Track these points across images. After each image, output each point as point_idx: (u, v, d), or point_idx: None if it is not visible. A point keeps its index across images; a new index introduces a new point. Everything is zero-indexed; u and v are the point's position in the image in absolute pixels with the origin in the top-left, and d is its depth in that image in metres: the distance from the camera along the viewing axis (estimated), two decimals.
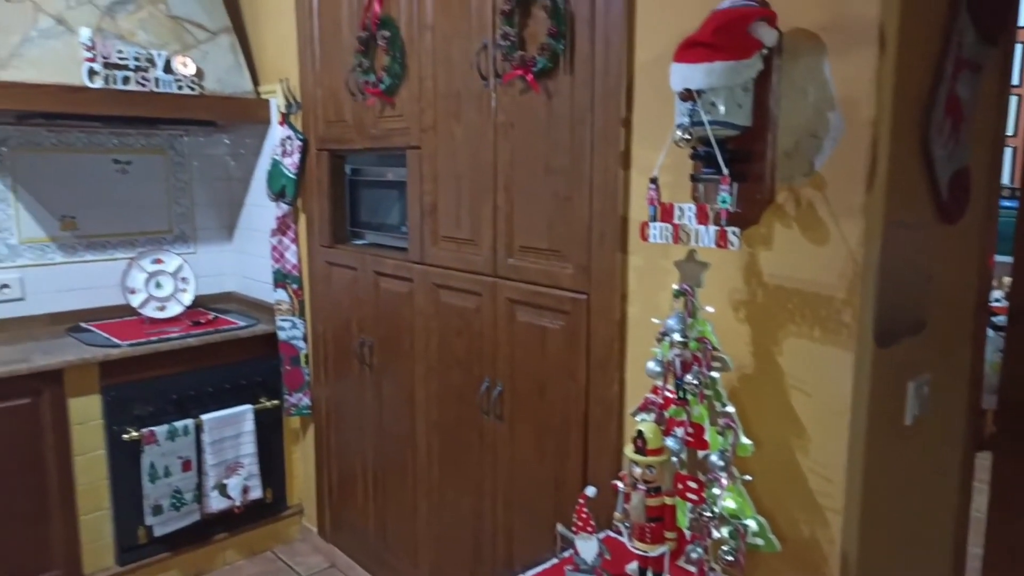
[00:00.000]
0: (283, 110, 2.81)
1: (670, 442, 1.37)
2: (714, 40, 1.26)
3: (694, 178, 1.41)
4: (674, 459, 1.38)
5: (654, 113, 1.57)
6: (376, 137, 2.41)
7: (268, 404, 2.92)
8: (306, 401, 2.91)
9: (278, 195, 2.84)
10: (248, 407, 2.84)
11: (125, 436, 2.55)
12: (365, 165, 2.66)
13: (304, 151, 2.75)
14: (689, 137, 1.29)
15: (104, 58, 2.58)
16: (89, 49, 2.54)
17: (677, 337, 1.34)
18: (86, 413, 2.52)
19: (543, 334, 1.88)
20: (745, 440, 1.37)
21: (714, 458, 1.33)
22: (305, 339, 2.89)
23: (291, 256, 2.86)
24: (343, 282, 2.66)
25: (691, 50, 1.28)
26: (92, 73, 2.55)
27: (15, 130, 2.78)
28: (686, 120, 1.29)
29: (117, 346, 2.60)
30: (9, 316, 2.82)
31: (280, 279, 2.88)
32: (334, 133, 2.62)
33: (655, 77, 1.55)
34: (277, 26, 2.88)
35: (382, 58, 2.30)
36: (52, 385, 2.45)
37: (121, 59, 2.62)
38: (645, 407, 1.45)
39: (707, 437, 1.38)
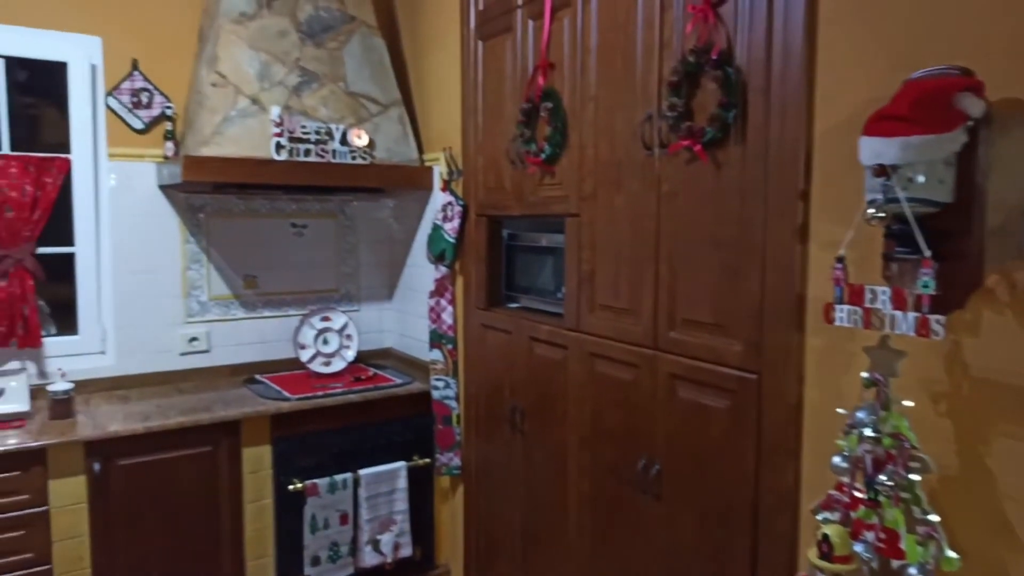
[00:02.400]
0: (445, 177, 2.93)
1: (859, 548, 1.24)
2: (911, 114, 1.17)
3: (887, 257, 1.30)
4: (864, 568, 1.24)
5: (835, 185, 1.48)
6: (534, 204, 2.44)
7: (420, 462, 2.98)
8: (456, 461, 2.95)
9: (438, 258, 2.95)
10: (402, 464, 2.92)
11: (290, 487, 2.69)
12: (522, 230, 2.70)
13: (464, 216, 2.85)
14: (883, 215, 1.19)
15: (290, 133, 2.82)
16: (278, 125, 2.79)
17: (868, 432, 1.22)
18: (258, 463, 2.69)
19: (706, 413, 1.78)
20: (951, 553, 1.21)
21: (913, 571, 1.18)
22: (457, 399, 2.94)
23: (447, 317, 2.94)
24: (497, 345, 2.69)
25: (884, 123, 1.20)
26: (279, 147, 2.79)
27: (211, 198, 3.09)
28: (879, 197, 1.19)
29: (287, 399, 2.77)
30: (197, 366, 3.09)
31: (436, 339, 2.96)
32: (493, 199, 2.69)
33: (837, 147, 1.47)
34: (442, 99, 3.03)
35: (544, 128, 2.34)
36: (230, 435, 2.63)
37: (304, 133, 2.85)
38: (828, 505, 1.32)
39: (903, 546, 1.23)
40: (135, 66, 2.90)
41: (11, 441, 2.30)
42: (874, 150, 1.20)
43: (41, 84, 2.83)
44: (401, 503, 2.90)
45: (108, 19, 2.84)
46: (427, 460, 3.00)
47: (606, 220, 2.12)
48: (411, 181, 3.08)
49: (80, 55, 2.79)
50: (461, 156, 2.87)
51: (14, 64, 2.73)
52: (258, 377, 3.11)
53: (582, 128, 2.19)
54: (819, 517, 1.32)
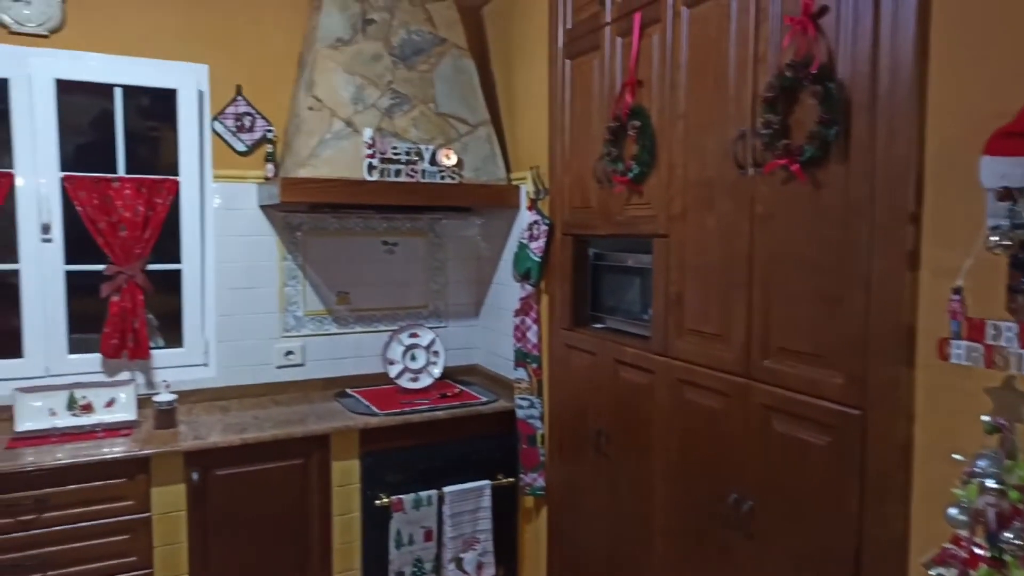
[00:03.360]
0: (532, 196, 2.92)
1: None
2: None
3: (1013, 289, 1.18)
4: None
5: (950, 208, 1.36)
6: (622, 224, 2.39)
7: (504, 481, 2.96)
8: (540, 482, 2.91)
9: (523, 276, 2.93)
10: (486, 483, 2.90)
11: (377, 502, 2.73)
12: (608, 250, 2.65)
13: (550, 235, 2.82)
14: (1008, 243, 1.08)
15: (381, 154, 2.88)
16: (370, 147, 2.86)
17: (991, 483, 1.10)
18: (346, 476, 2.74)
19: (804, 449, 1.68)
20: None
21: None
22: (542, 419, 2.91)
23: (532, 336, 2.91)
24: (581, 366, 2.64)
25: (1010, 141, 1.09)
26: (371, 167, 2.86)
27: (308, 217, 3.20)
28: (1003, 222, 1.08)
29: (375, 415, 2.81)
30: (292, 379, 3.19)
31: (521, 358, 2.94)
32: (579, 219, 2.65)
33: (952, 166, 1.35)
34: (530, 117, 3.03)
35: (631, 147, 2.29)
36: (320, 448, 2.70)
37: (395, 154, 2.91)
38: (943, 560, 1.20)
39: None
40: (239, 91, 3.04)
41: (119, 449, 2.43)
42: (998, 171, 1.10)
43: (152, 110, 3.01)
44: (485, 522, 2.89)
45: (215, 47, 2.99)
46: (511, 479, 2.98)
47: (696, 241, 2.04)
48: (498, 200, 3.08)
49: (189, 82, 2.95)
50: (548, 175, 2.85)
51: (130, 92, 2.91)
52: (349, 391, 3.18)
53: (671, 146, 2.13)
54: (932, 572, 1.21)
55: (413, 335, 3.24)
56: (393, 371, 3.17)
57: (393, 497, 2.74)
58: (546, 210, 2.86)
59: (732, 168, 1.86)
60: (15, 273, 2.77)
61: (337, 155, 2.85)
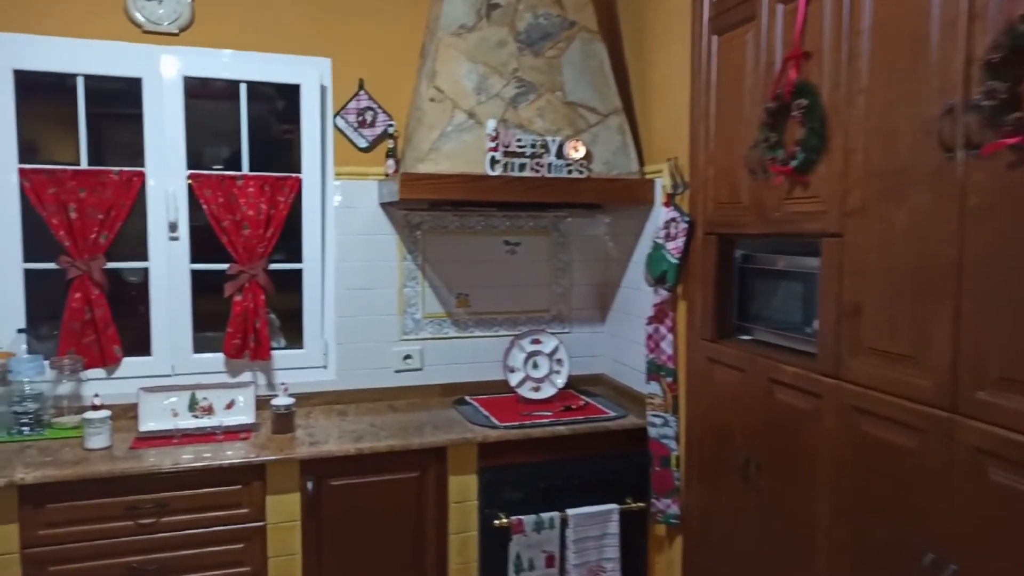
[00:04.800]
0: (669, 191, 2.63)
1: None
2: None
3: None
4: None
5: None
6: (779, 221, 2.06)
7: (634, 506, 2.69)
8: (674, 509, 2.61)
9: (658, 280, 2.65)
10: (614, 507, 2.65)
11: (495, 521, 2.54)
12: (759, 252, 2.32)
13: (689, 234, 2.52)
14: None
15: (505, 147, 2.68)
16: (493, 139, 2.67)
17: None
18: (463, 492, 2.56)
19: None
20: None
21: None
22: (677, 440, 2.61)
23: (667, 347, 2.62)
24: (726, 383, 2.32)
25: None
26: (493, 162, 2.67)
27: (428, 215, 3.06)
28: None
29: (495, 427, 2.62)
30: (410, 384, 3.07)
31: (654, 371, 2.66)
32: (725, 216, 2.34)
33: None
34: (667, 103, 2.73)
35: (795, 130, 1.96)
36: (437, 461, 2.53)
37: (519, 147, 2.70)
38: None
39: None
40: (361, 86, 2.94)
41: (238, 453, 2.37)
42: None
43: (276, 107, 2.96)
44: (612, 550, 2.63)
45: (338, 40, 2.90)
46: (641, 504, 2.70)
47: (879, 241, 1.69)
48: (630, 196, 2.81)
49: (312, 77, 2.87)
50: (688, 167, 2.55)
51: (254, 89, 2.87)
52: (467, 399, 3.01)
53: (847, 128, 1.78)
54: None
55: (535, 341, 3.02)
56: (514, 379, 2.97)
57: (513, 517, 2.54)
58: (685, 206, 2.56)
59: (934, 151, 1.51)
60: (145, 271, 2.79)
61: (458, 149, 2.68)
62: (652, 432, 2.65)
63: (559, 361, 3.03)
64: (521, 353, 2.99)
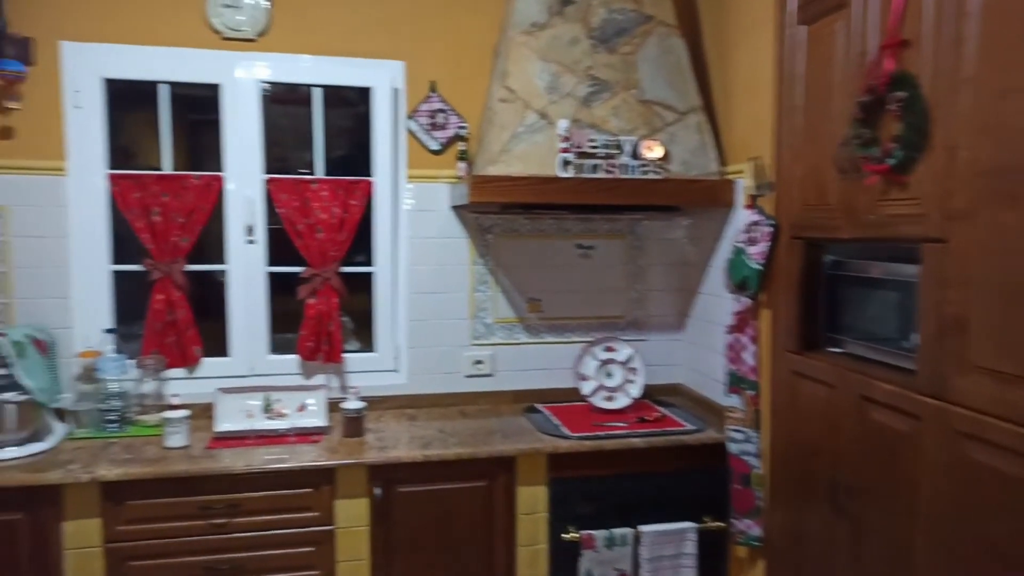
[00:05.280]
0: (751, 192, 2.48)
1: None
2: None
3: None
4: None
5: None
6: (872, 225, 1.90)
7: (712, 525, 2.55)
8: (756, 530, 2.46)
9: (739, 287, 2.50)
10: (691, 525, 2.52)
11: (565, 535, 2.46)
12: (851, 257, 2.15)
13: (774, 238, 2.37)
14: None
15: (577, 147, 2.60)
16: (565, 140, 2.59)
17: None
18: (532, 504, 2.50)
19: None
20: None
21: None
22: (760, 457, 2.46)
23: (749, 358, 2.48)
24: (813, 399, 2.16)
25: None
26: (565, 163, 2.59)
27: (500, 218, 3.00)
28: None
29: (566, 437, 2.54)
30: (480, 390, 3.02)
31: (735, 383, 2.52)
32: (813, 219, 2.18)
33: None
34: (750, 100, 2.58)
35: (891, 126, 1.79)
36: (506, 471, 2.47)
37: (592, 147, 2.61)
38: None
39: None
40: (433, 88, 2.92)
41: (308, 456, 2.38)
42: None
43: (350, 110, 2.98)
44: (688, 571, 2.51)
45: (412, 43, 2.89)
46: (720, 524, 2.56)
47: (988, 248, 1.52)
48: (710, 197, 2.67)
49: (385, 80, 2.87)
50: (773, 166, 2.40)
51: (329, 92, 2.89)
52: (538, 407, 2.94)
53: (951, 122, 1.62)
54: None
55: (609, 348, 2.92)
56: (586, 388, 2.88)
57: (583, 532, 2.45)
58: (769, 208, 2.41)
59: None
60: (223, 274, 2.85)
61: (530, 150, 2.61)
62: (732, 448, 2.51)
63: (634, 370, 2.91)
64: (594, 361, 2.89)
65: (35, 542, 2.19)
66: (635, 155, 2.64)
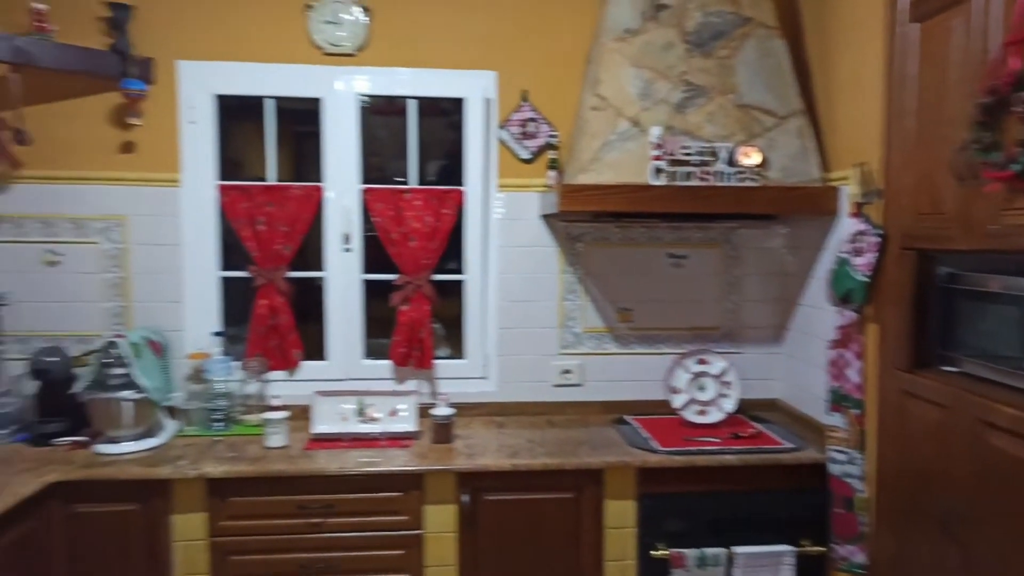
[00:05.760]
0: (857, 199, 2.35)
1: None
2: None
3: None
4: None
5: None
6: (995, 235, 1.76)
7: (811, 550, 2.43)
8: (860, 557, 2.33)
9: (843, 299, 2.38)
10: (788, 548, 2.41)
11: (654, 552, 2.40)
12: (967, 270, 2.00)
13: (881, 249, 2.23)
14: None
15: (669, 155, 2.54)
16: (657, 147, 2.54)
17: None
18: (620, 518, 2.45)
19: None
20: None
21: None
22: (863, 479, 2.32)
23: (853, 375, 2.35)
24: (924, 421, 2.03)
25: None
26: (658, 171, 2.54)
27: (590, 227, 2.98)
28: None
29: (655, 451, 2.48)
30: (568, 400, 3.00)
31: (837, 400, 2.39)
32: (926, 228, 2.05)
33: None
34: (856, 103, 2.45)
35: (1015, 129, 1.66)
36: (594, 484, 2.44)
37: (685, 155, 2.55)
38: None
39: None
40: (524, 97, 2.93)
41: (398, 460, 2.43)
42: None
43: (442, 121, 3.02)
44: None
45: (504, 53, 2.91)
46: (820, 548, 2.44)
47: None
48: (811, 205, 2.56)
49: (477, 90, 2.90)
50: (881, 172, 2.27)
51: (422, 103, 2.94)
52: (627, 419, 2.89)
53: None
54: None
55: (702, 361, 2.83)
56: (677, 401, 2.80)
57: (673, 550, 2.39)
58: (876, 217, 2.28)
59: None
60: (321, 280, 2.95)
61: (621, 158, 2.57)
62: (834, 469, 2.38)
63: (728, 384, 2.82)
64: (686, 373, 2.82)
65: (147, 533, 2.33)
66: (731, 162, 2.56)
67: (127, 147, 2.79)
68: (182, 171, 2.83)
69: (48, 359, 2.58)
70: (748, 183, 2.55)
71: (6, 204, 2.75)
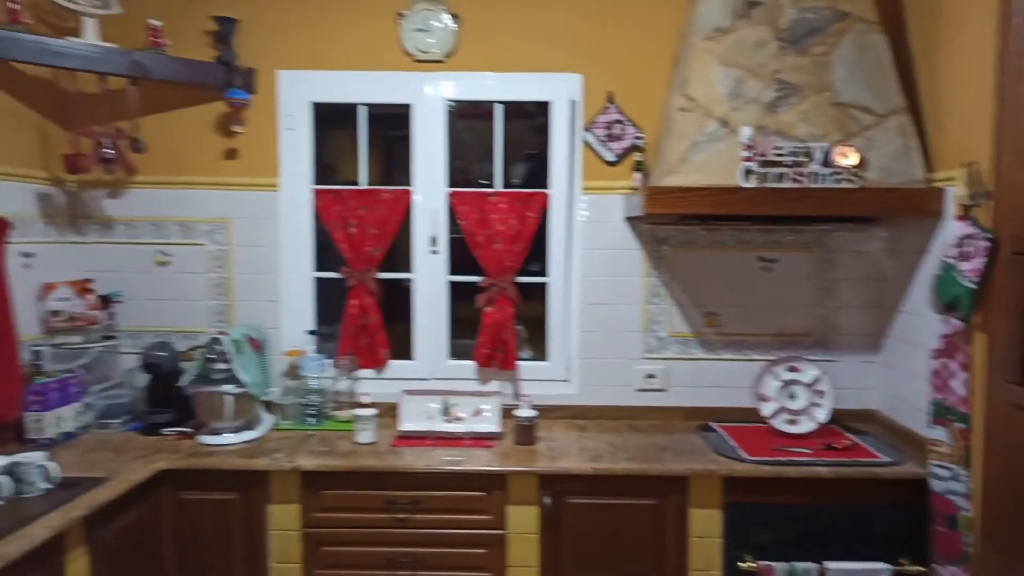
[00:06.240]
0: (964, 202, 2.22)
1: None
2: None
3: None
4: None
5: None
6: None
7: (911, 569, 2.32)
8: None
9: (947, 307, 2.25)
10: (884, 567, 2.31)
11: (741, 564, 2.35)
12: None
13: (991, 254, 2.11)
14: None
15: (760, 156, 2.48)
16: (748, 148, 2.48)
17: None
18: (706, 528, 2.41)
19: None
20: None
21: None
22: (968, 497, 2.20)
23: (958, 387, 2.22)
24: None
25: None
26: (748, 172, 2.47)
27: (676, 229, 2.93)
28: None
29: (743, 460, 2.42)
30: (652, 404, 2.97)
31: (940, 413, 2.27)
32: None
33: None
34: (964, 99, 2.32)
35: None
36: (677, 491, 2.41)
37: (777, 155, 2.48)
38: None
39: None
40: (610, 99, 2.91)
41: (481, 460, 2.46)
42: None
43: (527, 123, 3.04)
44: None
45: (590, 55, 2.90)
46: (920, 568, 2.32)
47: None
48: (913, 207, 2.43)
49: (562, 93, 2.91)
50: (991, 173, 2.14)
51: (508, 107, 2.97)
52: (712, 425, 2.83)
53: None
54: None
55: (792, 368, 2.74)
56: (766, 409, 2.72)
57: (761, 562, 2.33)
58: (986, 220, 2.15)
59: None
60: (408, 281, 3.03)
61: (710, 159, 2.53)
62: (936, 485, 2.26)
63: (820, 392, 2.72)
64: (776, 381, 2.73)
65: (246, 521, 2.45)
66: (826, 162, 2.47)
67: (230, 154, 2.94)
68: (280, 176, 2.96)
69: (158, 353, 2.76)
70: (845, 184, 2.45)
71: (122, 208, 2.95)
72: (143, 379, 2.81)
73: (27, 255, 2.65)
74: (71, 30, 2.65)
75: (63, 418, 2.59)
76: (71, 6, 2.60)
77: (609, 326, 2.97)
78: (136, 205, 2.95)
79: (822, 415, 2.69)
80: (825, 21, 2.56)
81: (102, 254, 2.95)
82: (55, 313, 2.71)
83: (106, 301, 2.86)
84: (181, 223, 2.96)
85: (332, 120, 3.04)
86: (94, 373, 2.80)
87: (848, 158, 2.46)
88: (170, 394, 2.71)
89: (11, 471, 2.05)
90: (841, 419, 2.81)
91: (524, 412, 2.65)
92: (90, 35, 2.64)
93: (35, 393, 2.51)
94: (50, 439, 2.53)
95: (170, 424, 2.71)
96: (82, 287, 2.80)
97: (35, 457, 2.12)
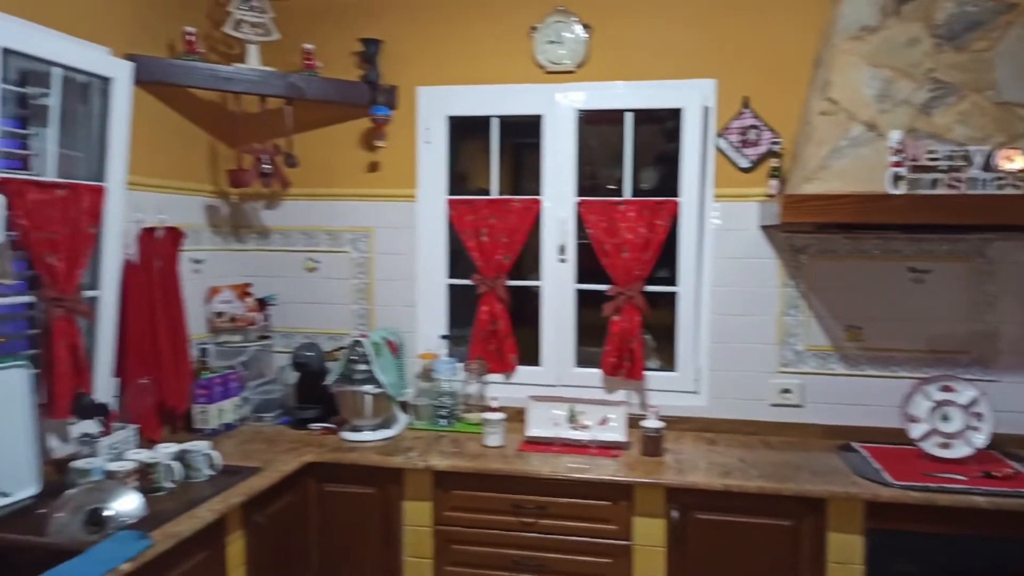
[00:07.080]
0: None
1: None
2: None
3: None
4: None
5: None
6: None
7: None
8: None
9: None
10: None
11: None
12: None
13: None
14: None
15: (912, 161, 2.33)
16: (897, 152, 2.34)
17: None
18: (846, 554, 2.28)
19: None
20: None
21: None
22: None
23: None
24: None
25: None
26: (897, 178, 2.33)
27: (814, 238, 2.81)
28: None
29: (888, 484, 2.28)
30: (787, 420, 2.86)
31: None
32: None
33: None
34: None
35: None
36: (814, 513, 2.30)
37: (931, 160, 2.32)
38: None
39: None
40: (745, 104, 2.83)
41: (607, 469, 2.47)
42: None
43: (657, 128, 3.01)
44: None
45: (724, 60, 2.84)
46: None
47: None
48: None
49: (695, 99, 2.86)
50: None
51: (638, 115, 2.96)
52: (854, 445, 2.68)
53: None
54: None
55: (946, 388, 2.54)
56: (915, 431, 2.54)
57: None
58: None
59: None
60: (536, 289, 3.08)
61: (852, 165, 2.40)
62: None
63: (979, 415, 2.50)
64: (927, 401, 2.55)
65: (383, 515, 2.59)
66: (988, 167, 2.28)
67: (373, 167, 3.12)
68: (418, 187, 3.10)
69: (307, 353, 2.97)
70: (1008, 191, 2.26)
71: (277, 218, 3.21)
72: (293, 377, 3.04)
73: (197, 261, 2.94)
74: (237, 56, 2.92)
75: (224, 411, 2.85)
76: (239, 35, 2.86)
77: (741, 337, 2.88)
78: (289, 215, 3.20)
79: (980, 440, 2.48)
80: (988, 14, 2.36)
81: (259, 260, 3.22)
82: (219, 314, 2.99)
83: (262, 304, 3.11)
84: (329, 232, 3.17)
85: (464, 130, 3.15)
86: (251, 370, 3.06)
87: (1014, 162, 2.26)
88: (316, 392, 2.91)
89: (181, 457, 2.28)
90: (1002, 445, 2.58)
91: (652, 423, 2.62)
92: (253, 60, 2.89)
93: (202, 387, 2.78)
94: (213, 429, 2.78)
95: (316, 420, 2.91)
96: (242, 291, 3.07)
97: (201, 446, 2.35)
